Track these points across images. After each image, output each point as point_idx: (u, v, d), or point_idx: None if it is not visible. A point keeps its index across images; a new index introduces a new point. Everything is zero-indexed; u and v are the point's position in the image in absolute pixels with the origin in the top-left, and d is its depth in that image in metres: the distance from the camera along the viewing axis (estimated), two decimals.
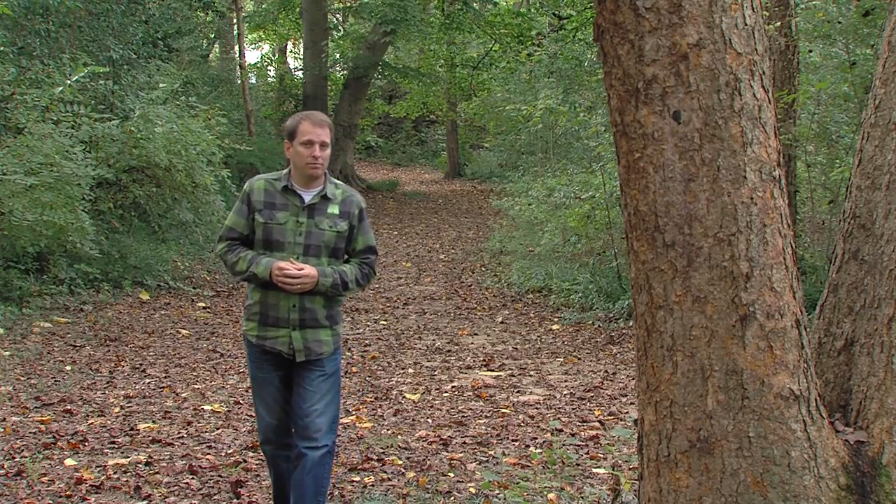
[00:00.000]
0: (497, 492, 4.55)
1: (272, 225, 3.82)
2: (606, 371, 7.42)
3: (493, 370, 7.53)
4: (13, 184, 8.97)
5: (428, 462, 5.09)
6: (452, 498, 4.54)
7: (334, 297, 3.89)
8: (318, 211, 3.85)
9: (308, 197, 3.85)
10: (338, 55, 23.34)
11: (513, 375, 7.33)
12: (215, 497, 4.55)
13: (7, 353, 7.63)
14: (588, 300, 9.87)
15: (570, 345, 8.56)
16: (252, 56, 30.67)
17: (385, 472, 4.93)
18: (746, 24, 2.64)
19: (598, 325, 9.17)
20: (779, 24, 8.33)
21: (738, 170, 2.62)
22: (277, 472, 4.00)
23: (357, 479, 4.80)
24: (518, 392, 6.79)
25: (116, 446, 5.37)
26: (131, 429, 5.72)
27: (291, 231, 3.82)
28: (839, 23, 8.08)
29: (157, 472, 4.87)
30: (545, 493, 4.53)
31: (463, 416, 6.09)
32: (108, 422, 5.87)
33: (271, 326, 3.84)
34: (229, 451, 5.28)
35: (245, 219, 3.89)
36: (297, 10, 23.42)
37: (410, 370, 7.56)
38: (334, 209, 3.87)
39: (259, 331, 3.87)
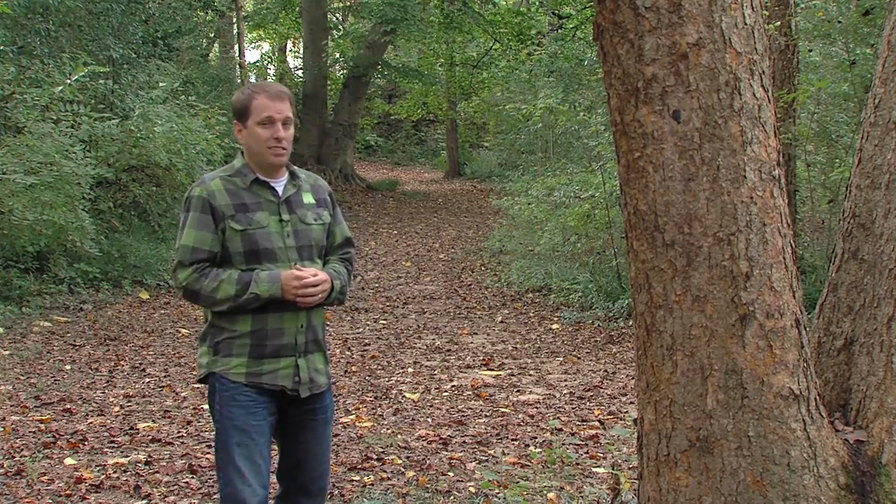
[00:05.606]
0: (497, 491, 4.55)
1: (254, 231, 2.98)
2: (606, 370, 7.42)
3: (492, 369, 7.53)
4: (13, 183, 8.98)
5: (428, 461, 5.09)
6: (452, 497, 4.54)
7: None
8: (296, 203, 3.08)
9: (281, 188, 3.07)
10: (338, 54, 23.36)
11: (512, 375, 7.33)
12: (215, 497, 4.54)
13: (7, 352, 7.63)
14: (588, 299, 9.87)
15: (569, 344, 8.56)
16: (252, 55, 30.72)
17: (385, 471, 4.93)
18: (746, 24, 2.64)
19: (598, 325, 9.17)
20: (779, 23, 8.33)
21: (738, 169, 2.62)
22: None
23: (357, 478, 4.80)
24: (518, 391, 6.79)
25: (116, 446, 5.37)
26: (131, 428, 5.72)
27: (277, 234, 3.01)
28: (839, 22, 8.09)
29: (157, 472, 4.87)
30: (545, 492, 4.53)
31: (463, 416, 6.09)
32: (108, 421, 5.88)
33: (270, 358, 2.99)
34: None
35: (213, 233, 2.97)
36: (297, 9, 23.42)
37: (410, 369, 7.56)
38: (309, 198, 3.13)
39: (251, 366, 2.98)
